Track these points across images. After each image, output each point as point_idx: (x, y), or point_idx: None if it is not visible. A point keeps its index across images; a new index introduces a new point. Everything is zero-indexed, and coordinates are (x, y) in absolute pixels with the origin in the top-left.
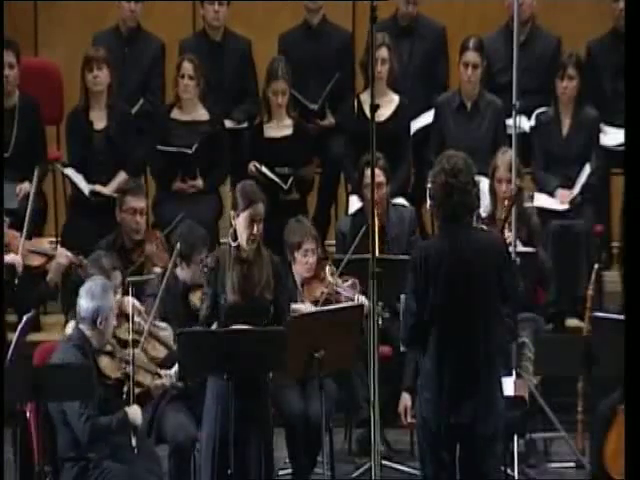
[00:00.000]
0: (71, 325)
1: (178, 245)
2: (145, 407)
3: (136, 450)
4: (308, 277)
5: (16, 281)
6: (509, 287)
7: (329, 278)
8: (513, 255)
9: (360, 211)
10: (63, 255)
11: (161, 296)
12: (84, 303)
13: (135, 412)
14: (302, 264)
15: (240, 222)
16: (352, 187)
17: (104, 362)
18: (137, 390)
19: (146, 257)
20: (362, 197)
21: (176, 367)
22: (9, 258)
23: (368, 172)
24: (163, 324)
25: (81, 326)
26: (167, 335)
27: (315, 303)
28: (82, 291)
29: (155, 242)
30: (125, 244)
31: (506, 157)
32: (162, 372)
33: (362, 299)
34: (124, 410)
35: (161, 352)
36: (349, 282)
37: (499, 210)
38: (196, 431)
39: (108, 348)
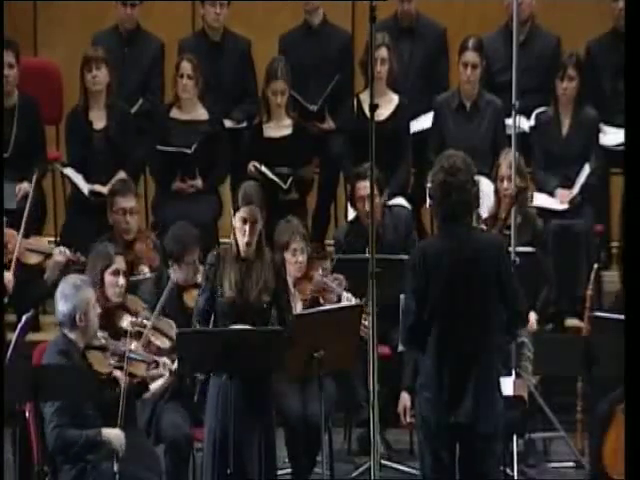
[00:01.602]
0: None
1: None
2: (141, 400)
3: (117, 476)
4: (300, 277)
5: (6, 300)
6: (508, 288)
7: (316, 276)
8: (513, 255)
9: (357, 219)
10: (60, 252)
11: (160, 295)
12: (60, 307)
13: (112, 435)
14: (292, 263)
15: (235, 221)
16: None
17: (93, 358)
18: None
19: (135, 256)
20: (356, 208)
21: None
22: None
23: (359, 185)
24: (170, 321)
25: (63, 330)
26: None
27: (304, 301)
28: (56, 296)
29: (145, 242)
30: (118, 244)
31: (509, 156)
32: (159, 360)
33: (348, 295)
34: (99, 430)
35: (166, 343)
36: (336, 280)
37: (502, 210)
38: (192, 430)
39: (99, 342)
